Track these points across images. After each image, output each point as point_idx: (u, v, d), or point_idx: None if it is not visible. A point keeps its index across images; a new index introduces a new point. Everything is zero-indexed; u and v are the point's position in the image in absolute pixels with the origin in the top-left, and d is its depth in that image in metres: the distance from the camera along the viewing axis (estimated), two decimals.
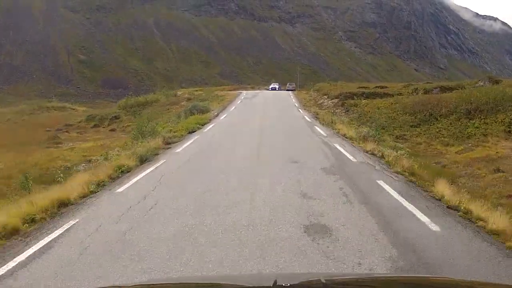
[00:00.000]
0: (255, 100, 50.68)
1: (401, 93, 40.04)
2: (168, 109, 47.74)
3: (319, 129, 23.81)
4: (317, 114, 33.67)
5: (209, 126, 26.66)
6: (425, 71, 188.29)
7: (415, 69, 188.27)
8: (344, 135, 21.51)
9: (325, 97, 46.74)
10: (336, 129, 23.87)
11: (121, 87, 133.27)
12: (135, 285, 3.05)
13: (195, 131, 24.56)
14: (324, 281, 2.35)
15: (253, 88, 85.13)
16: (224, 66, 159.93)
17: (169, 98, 56.14)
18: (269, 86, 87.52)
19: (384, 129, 26.91)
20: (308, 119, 29.41)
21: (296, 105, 44.01)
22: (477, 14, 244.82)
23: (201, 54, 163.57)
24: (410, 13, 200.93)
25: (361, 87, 47.16)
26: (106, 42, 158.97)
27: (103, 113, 58.31)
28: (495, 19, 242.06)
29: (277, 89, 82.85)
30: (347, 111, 35.21)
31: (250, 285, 2.60)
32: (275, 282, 2.23)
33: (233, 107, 41.64)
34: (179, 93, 61.04)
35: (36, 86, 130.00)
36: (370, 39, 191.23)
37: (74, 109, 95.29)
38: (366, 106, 33.63)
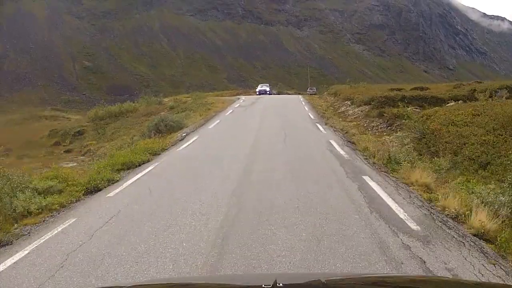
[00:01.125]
0: (252, 110, 35.35)
1: (462, 98, 25.70)
2: (142, 122, 33.89)
3: (380, 191, 9.29)
4: (347, 132, 19.49)
5: (145, 171, 12.64)
6: (434, 72, 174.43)
7: (424, 71, 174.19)
8: (457, 217, 7.24)
9: (348, 103, 32.41)
10: (417, 185, 9.52)
11: (127, 94, 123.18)
12: (135, 285, 2.94)
13: (102, 190, 10.59)
14: (324, 281, 2.27)
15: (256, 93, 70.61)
16: (231, 71, 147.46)
17: (149, 107, 41.85)
18: (257, 89, 67.52)
19: (485, 169, 12.79)
20: (340, 150, 15.29)
21: (311, 115, 29.35)
22: (484, 14, 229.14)
23: (208, 59, 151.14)
24: (418, 14, 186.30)
25: (395, 89, 32.63)
26: (111, 48, 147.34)
27: (70, 126, 44.44)
28: (503, 19, 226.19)
29: (267, 92, 64.17)
30: (390, 126, 20.96)
31: (250, 285, 2.52)
32: (275, 282, 2.15)
33: (216, 122, 27.11)
34: (165, 100, 46.79)
35: (41, 94, 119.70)
36: (378, 41, 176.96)
37: (68, 118, 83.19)
38: (427, 119, 18.86)
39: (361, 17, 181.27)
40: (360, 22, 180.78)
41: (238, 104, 40.94)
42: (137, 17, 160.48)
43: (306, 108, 35.91)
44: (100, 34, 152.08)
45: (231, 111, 34.64)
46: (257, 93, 63.94)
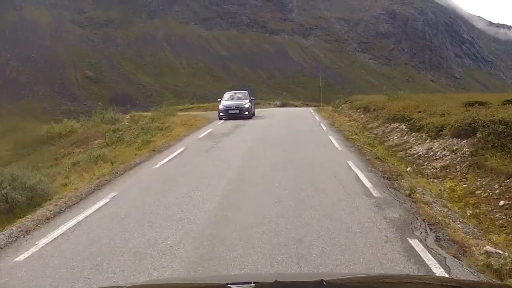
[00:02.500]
0: (227, 147, 17.88)
1: None
2: (62, 157, 21.52)
3: None
4: None
5: None
6: (441, 82, 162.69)
7: (431, 80, 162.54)
8: None
9: (402, 127, 19.98)
10: None
11: (130, 104, 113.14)
12: (135, 285, 2.81)
13: None
14: (324, 282, 2.15)
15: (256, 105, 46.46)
16: (236, 81, 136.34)
17: (93, 128, 28.97)
18: (223, 102, 33.78)
19: None
20: None
21: (356, 169, 12.76)
22: (490, 22, 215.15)
23: (212, 68, 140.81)
24: (424, 23, 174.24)
25: (475, 103, 19.62)
26: (114, 57, 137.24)
27: None
28: (509, 27, 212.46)
29: (244, 108, 31.98)
30: None
31: (250, 284, 2.37)
32: (275, 281, 2.07)
33: (109, 195, 10.80)
34: (126, 117, 33.73)
35: (42, 104, 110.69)
36: (384, 50, 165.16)
37: None
38: None
39: (367, 26, 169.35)
40: (366, 31, 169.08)
41: (209, 130, 24.10)
42: (140, 26, 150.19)
43: (334, 141, 18.80)
44: (102, 43, 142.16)
45: (181, 149, 17.75)
46: (220, 113, 31.87)
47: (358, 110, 32.92)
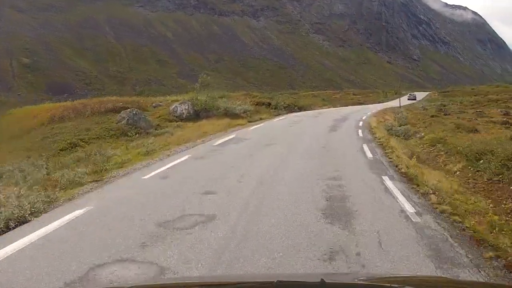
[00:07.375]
0: None
1: None
2: None
3: None
4: None
5: None
6: (398, 63, 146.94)
7: (387, 61, 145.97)
8: None
9: None
10: None
11: (67, 92, 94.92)
12: (135, 285, 2.67)
13: None
14: (325, 281, 2.07)
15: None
16: (182, 65, 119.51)
17: None
18: None
19: None
20: None
21: None
22: (446, 4, 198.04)
23: (158, 52, 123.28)
24: (380, 3, 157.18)
25: None
26: (53, 43, 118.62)
27: None
28: (465, 9, 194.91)
29: None
30: None
31: (252, 284, 2.31)
32: (277, 281, 2.01)
33: None
34: None
35: None
36: (339, 32, 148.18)
37: None
38: None
39: (320, 6, 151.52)
40: (319, 11, 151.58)
41: None
42: (82, 9, 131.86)
43: None
44: (42, 28, 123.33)
45: None
46: None
47: None
